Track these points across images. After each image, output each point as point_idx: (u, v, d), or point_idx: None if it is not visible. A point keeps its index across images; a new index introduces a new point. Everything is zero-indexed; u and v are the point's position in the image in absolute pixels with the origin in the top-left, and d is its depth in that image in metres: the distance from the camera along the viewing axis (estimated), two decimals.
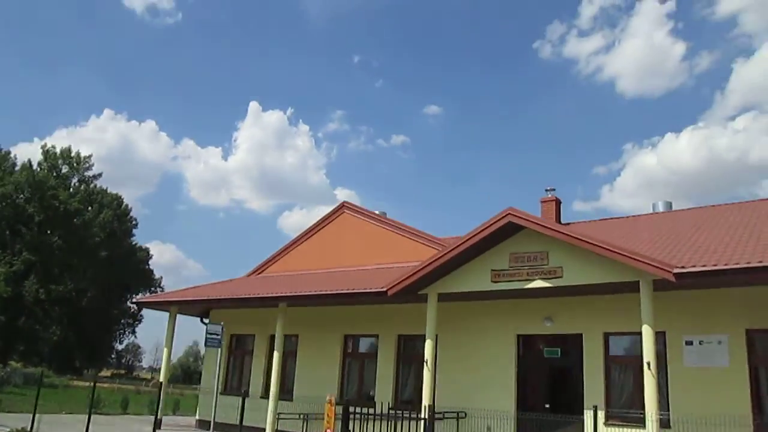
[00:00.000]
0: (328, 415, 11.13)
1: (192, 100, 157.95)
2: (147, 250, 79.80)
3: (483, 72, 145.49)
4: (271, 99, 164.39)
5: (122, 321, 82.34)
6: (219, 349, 14.52)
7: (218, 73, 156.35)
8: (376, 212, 19.46)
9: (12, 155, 59.00)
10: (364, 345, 17.76)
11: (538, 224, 13.06)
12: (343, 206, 19.82)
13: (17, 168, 57.61)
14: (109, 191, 71.52)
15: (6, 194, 54.66)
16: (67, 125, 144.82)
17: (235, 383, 19.09)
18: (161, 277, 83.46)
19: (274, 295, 15.84)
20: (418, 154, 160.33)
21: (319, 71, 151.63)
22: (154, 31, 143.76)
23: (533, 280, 13.15)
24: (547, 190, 20.15)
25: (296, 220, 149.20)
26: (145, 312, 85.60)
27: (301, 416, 16.09)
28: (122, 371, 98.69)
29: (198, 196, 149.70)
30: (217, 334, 13.98)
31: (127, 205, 75.11)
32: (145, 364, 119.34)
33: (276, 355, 16.18)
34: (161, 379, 18.25)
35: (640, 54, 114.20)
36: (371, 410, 13.84)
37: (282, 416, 16.20)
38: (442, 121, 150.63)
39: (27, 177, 55.45)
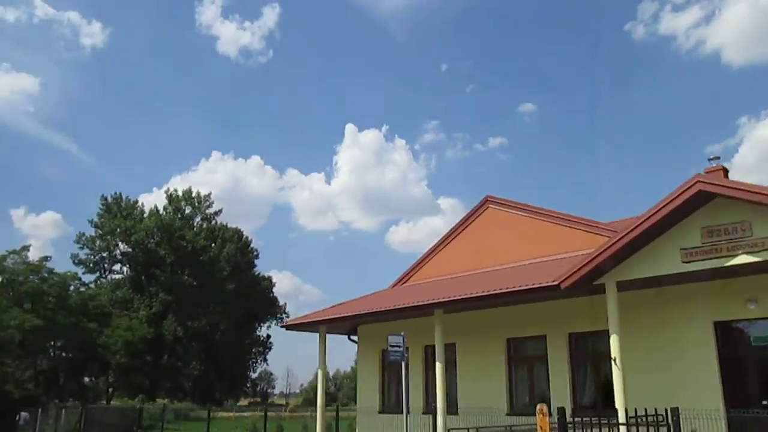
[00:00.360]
0: (541, 427, 9.78)
1: (291, 131, 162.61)
2: (270, 279, 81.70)
3: (575, 62, 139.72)
4: (365, 119, 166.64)
5: (253, 350, 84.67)
6: (403, 363, 13.44)
7: (312, 101, 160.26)
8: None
9: (140, 203, 62.17)
10: (530, 348, 16.27)
11: (737, 189, 11.20)
12: (487, 200, 18.47)
13: (145, 215, 60.54)
14: (228, 226, 74.10)
15: (139, 241, 57.46)
16: (181, 172, 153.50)
17: (392, 400, 18.11)
18: (285, 304, 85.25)
19: (432, 301, 14.74)
20: (518, 154, 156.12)
21: (408, 86, 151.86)
22: (248, 71, 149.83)
23: (735, 255, 11.30)
24: (710, 159, 17.91)
25: (403, 235, 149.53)
26: (274, 339, 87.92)
27: (471, 430, 14.83)
28: (258, 399, 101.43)
29: (307, 222, 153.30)
30: (399, 345, 12.97)
31: (247, 237, 77.38)
32: (277, 390, 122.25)
33: (438, 366, 15.04)
34: (318, 401, 17.60)
35: (745, 20, 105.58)
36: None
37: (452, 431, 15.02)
38: (537, 118, 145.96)
39: (156, 222, 58.07)
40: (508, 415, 15.43)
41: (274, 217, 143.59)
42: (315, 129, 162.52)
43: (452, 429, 14.98)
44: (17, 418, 25.17)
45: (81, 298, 41.54)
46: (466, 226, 18.59)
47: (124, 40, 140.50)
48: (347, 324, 18.92)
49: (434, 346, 16.33)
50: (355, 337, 20.08)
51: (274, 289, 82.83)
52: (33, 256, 40.38)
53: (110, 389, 49.60)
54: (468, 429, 14.91)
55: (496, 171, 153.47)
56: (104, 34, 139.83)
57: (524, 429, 13.68)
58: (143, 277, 59.92)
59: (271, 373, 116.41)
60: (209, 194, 64.20)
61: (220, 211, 65.74)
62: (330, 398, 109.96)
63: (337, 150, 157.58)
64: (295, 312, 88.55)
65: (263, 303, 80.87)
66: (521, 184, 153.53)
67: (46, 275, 38.23)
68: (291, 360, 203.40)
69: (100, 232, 58.26)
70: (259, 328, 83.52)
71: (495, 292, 13.65)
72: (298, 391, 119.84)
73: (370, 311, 16.17)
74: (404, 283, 19.92)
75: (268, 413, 53.35)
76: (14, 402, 31.42)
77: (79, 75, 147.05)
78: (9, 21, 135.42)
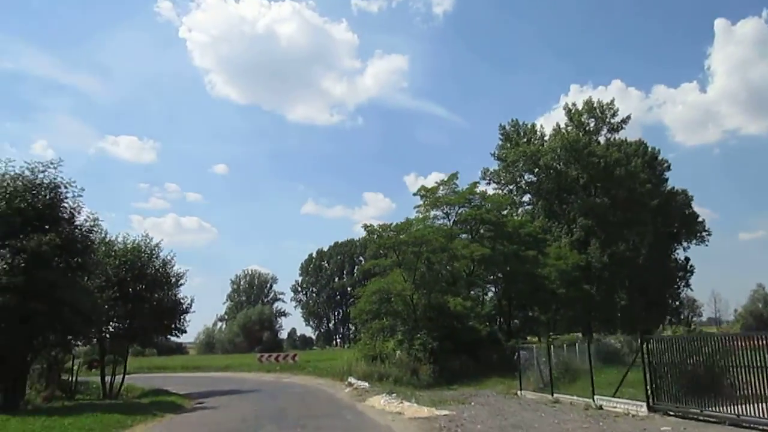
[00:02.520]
0: None
1: (649, 44, 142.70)
2: (685, 193, 68.88)
3: None
4: (738, 8, 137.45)
5: (675, 274, 73.08)
6: None
7: (668, 3, 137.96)
8: None
9: (538, 126, 56.41)
10: None
11: None
12: None
13: (546, 138, 54.45)
14: (628, 140, 63.77)
15: (547, 164, 51.56)
16: (543, 113, 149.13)
17: None
18: (704, 220, 71.29)
19: None
20: None
21: None
22: None
23: None
24: None
25: None
26: (695, 261, 74.71)
27: None
28: (686, 328, 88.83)
29: (684, 139, 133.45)
30: None
31: (654, 149, 66.06)
32: (704, 317, 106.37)
33: None
34: None
35: None
36: None
37: None
38: None
39: (561, 141, 51.40)
40: None
41: (646, 140, 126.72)
42: (677, 35, 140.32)
43: None
44: (515, 356, 21.07)
45: (512, 225, 36.89)
46: None
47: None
48: None
49: None
50: None
51: (692, 204, 69.83)
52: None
53: (552, 323, 44.88)
54: None
55: None
56: None
57: None
58: (556, 203, 54.08)
59: (695, 300, 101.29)
60: (612, 101, 54.68)
61: (628, 117, 55.47)
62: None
63: (708, 52, 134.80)
64: None
65: (681, 220, 68.76)
66: None
67: (478, 203, 34.27)
68: (715, 284, 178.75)
69: (504, 163, 53.97)
70: (677, 250, 71.79)
71: None
72: (732, 317, 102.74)
73: None
74: None
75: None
76: (482, 339, 27.70)
77: (438, 43, 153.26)
78: (374, 12, 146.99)
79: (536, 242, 38.74)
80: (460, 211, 34.02)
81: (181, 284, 25.42)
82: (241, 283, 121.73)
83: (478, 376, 24.60)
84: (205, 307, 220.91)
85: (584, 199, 51.53)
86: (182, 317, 25.59)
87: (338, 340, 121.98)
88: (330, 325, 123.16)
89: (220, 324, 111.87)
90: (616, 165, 51.39)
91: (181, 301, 25.48)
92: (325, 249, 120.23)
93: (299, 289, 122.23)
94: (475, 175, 59.77)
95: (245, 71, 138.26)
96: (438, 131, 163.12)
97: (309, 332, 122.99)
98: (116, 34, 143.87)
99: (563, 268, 39.14)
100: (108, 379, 24.78)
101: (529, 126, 55.99)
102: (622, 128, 55.00)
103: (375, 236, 29.31)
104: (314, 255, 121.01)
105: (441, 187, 34.06)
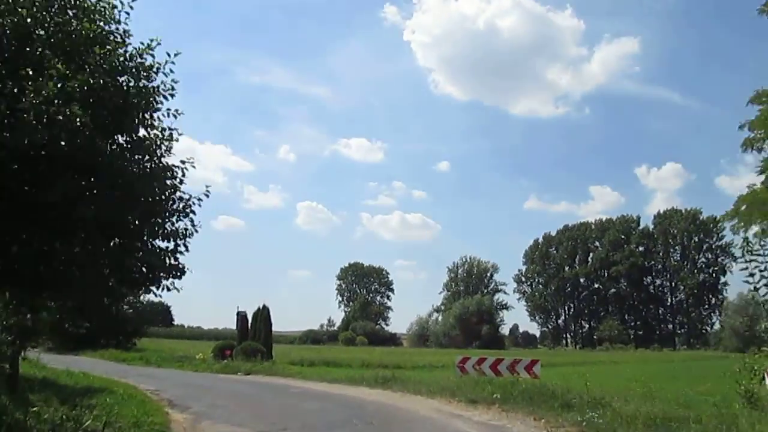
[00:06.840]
0: None
1: None
2: None
3: None
4: None
5: None
6: None
7: None
8: None
9: None
10: None
11: None
12: None
13: None
14: None
15: None
16: None
17: None
18: None
19: None
20: None
21: None
22: None
23: None
24: None
25: None
26: None
27: None
28: None
29: None
30: None
31: None
32: None
33: None
34: None
35: None
36: None
37: None
38: None
39: None
40: None
41: None
42: None
43: None
44: None
45: None
46: None
47: None
48: None
49: None
50: None
51: None
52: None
53: None
54: None
55: None
56: None
57: None
58: None
59: None
60: None
61: None
62: None
63: None
64: None
65: None
66: None
67: None
68: None
69: None
70: None
71: None
72: None
73: None
74: None
75: None
76: None
77: (673, 19, 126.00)
78: None
79: None
80: None
81: (157, 110, 7.95)
82: (459, 271, 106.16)
83: None
84: (426, 304, 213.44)
85: None
86: (167, 221, 8.10)
87: (568, 339, 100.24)
88: (559, 321, 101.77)
89: (435, 315, 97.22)
90: None
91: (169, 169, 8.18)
92: (553, 233, 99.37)
93: (523, 279, 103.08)
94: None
95: (467, 68, 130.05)
96: (673, 118, 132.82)
97: (533, 329, 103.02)
98: (346, 43, 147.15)
99: None
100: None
101: None
102: None
103: None
104: (540, 240, 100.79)
105: None
